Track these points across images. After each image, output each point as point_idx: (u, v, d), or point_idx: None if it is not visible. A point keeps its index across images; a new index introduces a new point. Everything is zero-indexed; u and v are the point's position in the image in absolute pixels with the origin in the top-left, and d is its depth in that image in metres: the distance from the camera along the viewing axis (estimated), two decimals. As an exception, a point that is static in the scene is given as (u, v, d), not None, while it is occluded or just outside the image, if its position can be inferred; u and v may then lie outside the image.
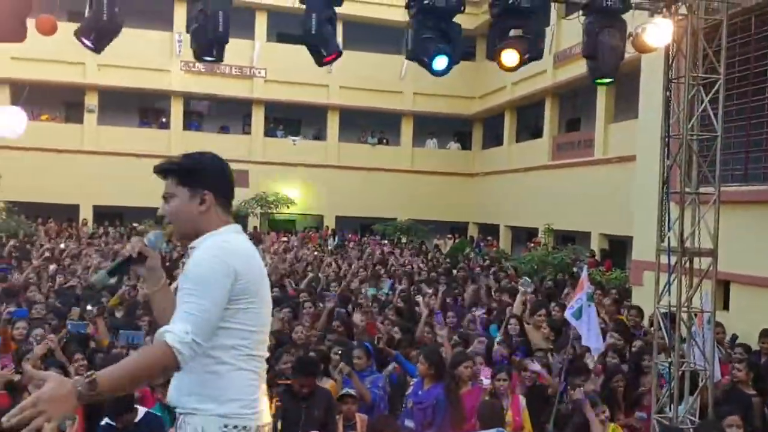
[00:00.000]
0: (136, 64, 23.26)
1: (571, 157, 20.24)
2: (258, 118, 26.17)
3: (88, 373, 2.17)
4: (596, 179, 17.98)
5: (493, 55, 6.45)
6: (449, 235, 25.43)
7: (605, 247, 18.20)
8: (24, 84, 21.34)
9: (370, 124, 27.67)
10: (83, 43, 5.81)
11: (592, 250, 17.81)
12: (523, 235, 23.31)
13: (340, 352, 6.48)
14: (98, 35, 5.80)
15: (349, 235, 24.68)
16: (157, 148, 24.81)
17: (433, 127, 27.88)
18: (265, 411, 2.60)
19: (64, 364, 5.77)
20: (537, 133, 23.46)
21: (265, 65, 25.15)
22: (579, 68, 17.72)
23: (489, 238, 24.64)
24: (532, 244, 19.72)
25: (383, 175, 26.27)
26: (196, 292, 2.37)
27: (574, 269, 15.33)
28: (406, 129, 27.32)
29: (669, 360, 6.49)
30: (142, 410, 4.86)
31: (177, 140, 25.22)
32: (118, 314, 8.49)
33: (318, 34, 6.00)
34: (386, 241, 23.00)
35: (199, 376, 2.44)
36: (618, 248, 17.41)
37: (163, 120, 26.23)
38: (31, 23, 5.57)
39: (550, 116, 22.00)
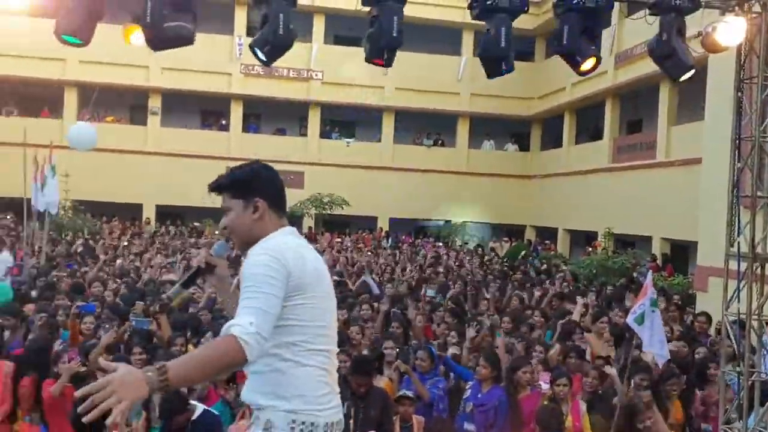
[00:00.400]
0: (197, 67, 23.79)
1: (632, 160, 19.76)
2: (314, 120, 26.42)
3: (160, 363, 2.24)
4: (658, 182, 17.50)
5: (567, 58, 6.45)
6: (505, 238, 25.16)
7: (667, 251, 17.70)
8: (92, 87, 22.19)
9: (425, 126, 27.61)
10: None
11: (653, 254, 17.34)
12: (582, 239, 22.88)
13: (397, 350, 6.46)
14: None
15: (403, 237, 24.67)
16: (216, 150, 25.42)
17: (490, 129, 27.62)
18: (336, 408, 2.62)
19: (128, 358, 5.92)
20: (597, 135, 23.00)
21: (321, 68, 25.39)
22: (641, 69, 17.38)
23: (547, 241, 24.27)
24: (591, 248, 19.33)
25: (438, 177, 26.15)
26: (254, 288, 2.44)
27: (635, 274, 14.98)
28: (463, 130, 27.14)
29: (738, 369, 6.25)
30: (200, 408, 4.90)
31: (236, 142, 25.74)
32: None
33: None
34: (440, 244, 22.92)
35: (265, 375, 2.53)
36: (680, 253, 16.93)
37: (223, 122, 26.77)
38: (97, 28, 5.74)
39: (610, 117, 21.53)
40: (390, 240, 23.96)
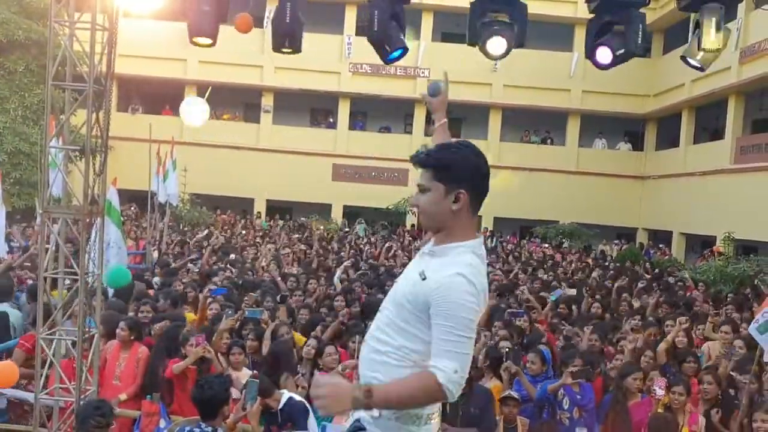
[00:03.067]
0: (308, 66, 24.44)
1: (756, 161, 18.58)
2: (419, 117, 26.51)
3: (366, 385, 2.37)
4: (785, 185, 16.36)
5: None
6: (616, 241, 24.28)
7: (793, 258, 16.49)
8: (208, 85, 23.22)
9: (534, 123, 27.09)
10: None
11: (778, 261, 16.21)
12: (698, 244, 21.77)
13: (507, 349, 6.38)
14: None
15: (508, 237, 24.31)
16: (324, 147, 26.09)
17: (602, 127, 26.75)
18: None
19: (243, 344, 6.18)
20: (717, 135, 21.80)
21: (429, 65, 25.43)
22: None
23: (661, 245, 23.23)
24: (710, 253, 18.32)
25: (546, 176, 25.59)
26: (459, 333, 2.36)
27: (756, 282, 14.05)
28: (573, 128, 26.42)
29: None
30: (286, 395, 5.01)
31: (342, 139, 26.28)
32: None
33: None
34: (547, 245, 22.42)
35: (388, 359, 2.50)
36: (809, 261, 15.72)
37: (331, 120, 27.37)
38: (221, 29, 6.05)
39: (733, 116, 20.33)
40: (494, 240, 23.69)
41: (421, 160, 2.55)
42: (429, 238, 2.67)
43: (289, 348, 6.23)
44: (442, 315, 2.36)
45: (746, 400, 5.65)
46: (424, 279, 2.45)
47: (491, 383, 6.05)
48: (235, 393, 5.05)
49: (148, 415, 5.41)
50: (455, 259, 2.47)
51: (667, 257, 20.86)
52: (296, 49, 6.29)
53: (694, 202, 21.26)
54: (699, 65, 6.65)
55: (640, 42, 5.78)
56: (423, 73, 25.69)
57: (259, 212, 25.73)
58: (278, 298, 8.47)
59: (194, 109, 14.60)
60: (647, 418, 5.52)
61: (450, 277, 2.40)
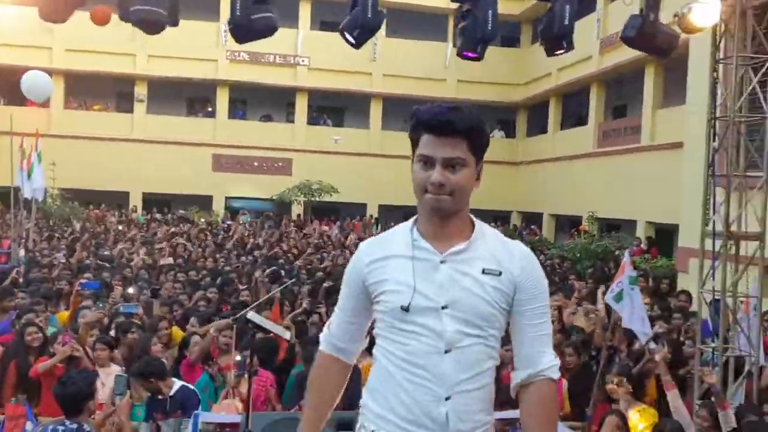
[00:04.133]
0: (183, 54, 23.73)
1: (617, 144, 19.92)
2: (301, 106, 26.41)
3: None
4: (643, 166, 17.66)
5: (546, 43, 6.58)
6: (492, 224, 25.25)
7: (651, 235, 17.89)
8: (78, 75, 22.06)
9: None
10: (346, 38, 6.23)
11: (637, 237, 17.52)
12: (567, 224, 23.07)
13: None
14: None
15: (392, 224, 24.71)
16: (203, 137, 25.43)
17: (477, 115, 27.69)
18: None
19: (108, 339, 6.01)
20: (582, 121, 23.15)
21: (308, 53, 25.35)
22: (626, 54, 17.48)
23: (532, 226, 24.45)
24: (576, 232, 19.51)
25: (427, 164, 26.18)
26: (546, 308, 2.09)
27: (618, 255, 15.14)
28: (450, 117, 27.16)
29: (713, 346, 6.39)
30: (177, 383, 5.00)
31: (222, 129, 25.74)
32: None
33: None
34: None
35: (484, 390, 2.07)
36: (665, 236, 17.10)
37: (209, 109, 26.72)
38: (86, 15, 5.81)
39: (596, 103, 21.66)
40: (379, 227, 24.04)
41: (459, 124, 1.99)
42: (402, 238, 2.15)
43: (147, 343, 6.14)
44: (538, 297, 2.05)
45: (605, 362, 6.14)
46: (499, 274, 2.02)
47: (366, 361, 6.22)
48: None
49: (12, 418, 5.13)
50: (496, 234, 2.16)
51: (538, 237, 22.01)
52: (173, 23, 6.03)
53: (562, 185, 22.51)
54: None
55: (490, 29, 6.05)
56: (303, 61, 25.60)
57: (134, 206, 24.75)
58: (150, 292, 8.28)
59: (37, 83, 13.63)
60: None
61: (520, 252, 2.10)
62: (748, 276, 6.44)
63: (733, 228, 6.35)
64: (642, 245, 16.90)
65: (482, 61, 7.08)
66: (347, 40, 6.26)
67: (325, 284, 9.19)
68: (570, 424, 5.86)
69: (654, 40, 6.53)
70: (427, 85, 25.99)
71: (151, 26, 5.59)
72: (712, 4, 6.15)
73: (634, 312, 6.35)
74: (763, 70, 6.36)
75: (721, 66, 6.65)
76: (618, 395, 5.50)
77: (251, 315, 4.22)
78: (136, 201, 25.12)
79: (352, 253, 2.50)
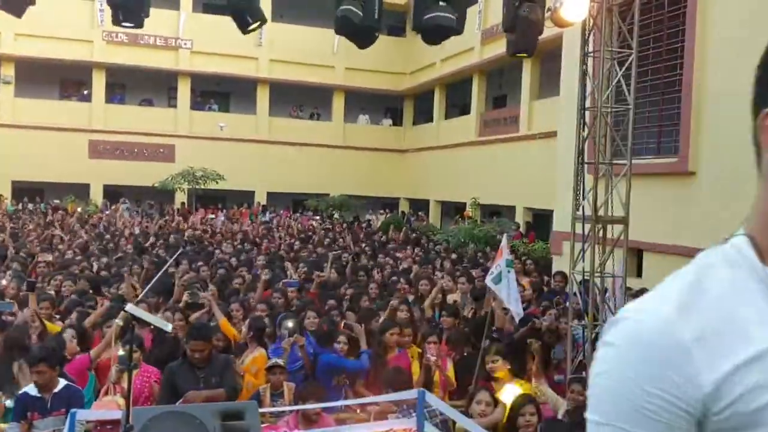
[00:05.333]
0: (55, 33, 22.37)
1: (497, 134, 20.66)
2: (184, 90, 25.56)
3: None
4: (521, 155, 18.45)
5: (420, 29, 6.62)
6: (381, 211, 25.64)
7: (529, 220, 18.75)
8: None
9: (301, 99, 27.46)
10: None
11: (516, 222, 18.32)
12: (452, 210, 23.75)
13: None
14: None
15: (281, 211, 24.56)
16: (78, 122, 24.09)
17: (365, 103, 27.90)
18: None
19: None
20: (465, 110, 23.82)
21: (191, 36, 24.55)
22: (506, 45, 18.13)
23: (420, 213, 24.99)
24: (460, 218, 20.14)
25: (315, 151, 26.16)
26: None
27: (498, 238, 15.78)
28: (338, 104, 27.24)
29: (583, 323, 6.81)
30: (62, 382, 4.82)
31: (99, 113, 24.51)
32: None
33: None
34: (318, 217, 23.02)
35: None
36: (542, 221, 17.97)
37: (85, 92, 25.33)
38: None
39: (477, 93, 22.34)
40: (267, 214, 23.79)
41: None
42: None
43: (23, 335, 5.82)
44: None
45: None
46: None
47: (256, 353, 6.17)
48: None
49: None
50: None
51: (425, 223, 22.54)
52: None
53: (446, 172, 23.12)
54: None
55: (376, 17, 6.11)
56: (185, 44, 24.76)
57: (2, 195, 23.11)
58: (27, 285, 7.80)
59: None
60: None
61: None
62: (614, 257, 6.91)
63: (601, 212, 6.78)
64: (521, 230, 17.70)
65: (369, 50, 7.14)
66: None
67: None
68: (453, 403, 6.10)
69: (528, 35, 6.82)
70: (314, 72, 25.89)
71: (14, 7, 5.23)
72: (581, 0, 6.51)
73: (510, 293, 6.69)
74: (627, 63, 6.81)
75: (589, 59, 7.05)
76: (497, 373, 5.76)
77: (129, 307, 4.08)
78: (4, 190, 23.44)
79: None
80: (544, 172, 15.32)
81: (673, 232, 9.08)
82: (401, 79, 27.07)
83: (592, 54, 6.96)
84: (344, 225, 21.03)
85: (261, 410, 5.31)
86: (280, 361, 5.90)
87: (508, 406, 4.93)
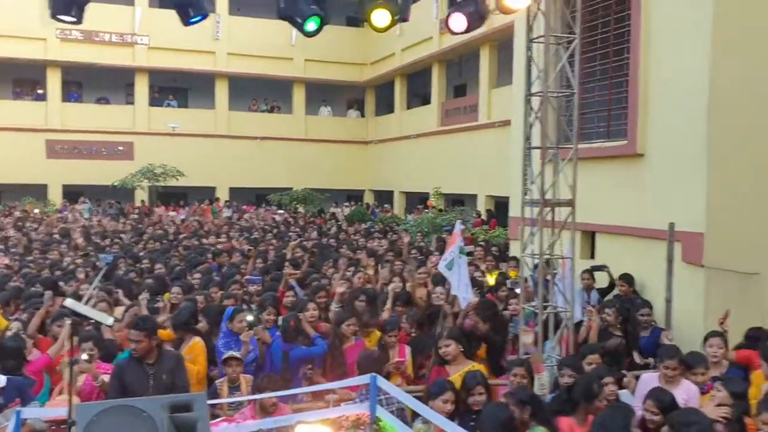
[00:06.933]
0: (6, 31, 21.89)
1: (458, 123, 20.77)
2: (141, 87, 25.22)
3: None
4: (481, 143, 18.60)
5: (364, 15, 6.59)
6: (346, 203, 25.64)
7: (491, 207, 18.93)
8: None
9: (261, 92, 27.26)
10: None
11: (477, 210, 18.49)
12: (416, 200, 23.85)
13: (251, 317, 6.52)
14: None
15: (244, 207, 24.42)
16: (33, 122, 23.64)
17: (326, 95, 27.80)
18: None
19: None
20: (427, 100, 23.91)
21: (147, 32, 24.20)
22: (464, 35, 18.23)
23: (385, 204, 25.04)
24: (423, 207, 20.24)
25: (277, 144, 26.04)
26: None
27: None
28: (299, 96, 27.10)
29: (533, 304, 6.92)
30: (2, 379, 4.81)
31: (55, 112, 24.07)
32: None
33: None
34: (282, 211, 22.93)
35: None
36: (502, 208, 18.15)
37: (39, 91, 24.84)
38: None
39: (438, 82, 22.42)
40: (231, 210, 23.62)
41: None
42: None
43: None
44: None
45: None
46: None
47: (191, 341, 6.23)
48: None
49: None
50: None
51: (390, 214, 22.59)
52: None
53: (410, 162, 23.20)
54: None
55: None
56: (141, 40, 24.40)
57: (-44, 198, 22.64)
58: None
59: None
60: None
61: None
62: (562, 240, 7.03)
63: (548, 196, 6.89)
64: (482, 217, 17.86)
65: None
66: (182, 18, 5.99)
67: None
68: (411, 388, 6.18)
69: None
70: (273, 64, 25.73)
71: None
72: (523, -14, 6.58)
73: (461, 279, 6.79)
74: (571, 49, 6.92)
75: (534, 45, 7.14)
76: (450, 357, 5.85)
77: (68, 302, 4.06)
78: (-42, 192, 22.98)
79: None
80: (502, 159, 15.46)
81: (624, 213, 9.23)
82: (362, 69, 27.03)
83: (536, 40, 7.04)
84: (308, 217, 21.00)
85: (216, 401, 5.34)
86: (237, 354, 5.91)
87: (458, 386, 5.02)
